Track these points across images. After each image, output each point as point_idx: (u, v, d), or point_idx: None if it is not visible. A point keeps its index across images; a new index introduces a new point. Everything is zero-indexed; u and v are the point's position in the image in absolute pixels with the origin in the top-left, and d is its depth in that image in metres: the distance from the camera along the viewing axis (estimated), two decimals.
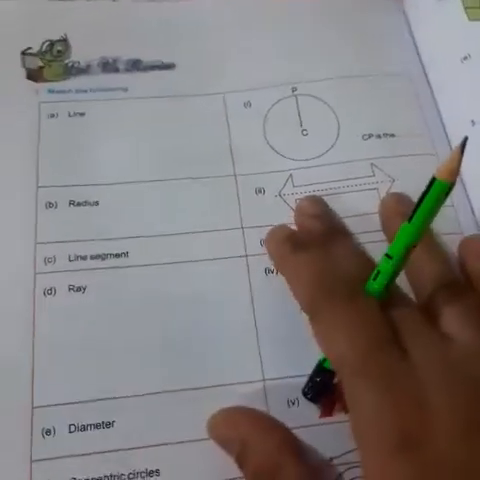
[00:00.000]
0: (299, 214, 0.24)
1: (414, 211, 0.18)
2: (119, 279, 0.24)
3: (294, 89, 0.28)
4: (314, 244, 0.21)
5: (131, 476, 0.20)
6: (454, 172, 0.17)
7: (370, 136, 0.27)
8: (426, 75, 0.29)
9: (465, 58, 0.26)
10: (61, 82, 0.28)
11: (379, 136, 0.27)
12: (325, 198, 0.25)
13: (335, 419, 0.22)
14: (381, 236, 0.23)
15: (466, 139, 0.17)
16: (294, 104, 0.28)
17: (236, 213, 0.25)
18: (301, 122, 0.27)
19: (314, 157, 0.26)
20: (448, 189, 0.17)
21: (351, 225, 0.24)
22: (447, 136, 0.27)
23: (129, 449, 0.21)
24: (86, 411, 0.21)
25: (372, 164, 0.26)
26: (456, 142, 0.25)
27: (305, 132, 0.27)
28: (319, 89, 0.28)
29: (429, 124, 0.27)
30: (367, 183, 0.26)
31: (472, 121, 0.26)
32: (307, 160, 0.26)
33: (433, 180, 0.17)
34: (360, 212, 0.25)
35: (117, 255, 0.24)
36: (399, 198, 0.23)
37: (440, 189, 0.17)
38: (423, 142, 0.27)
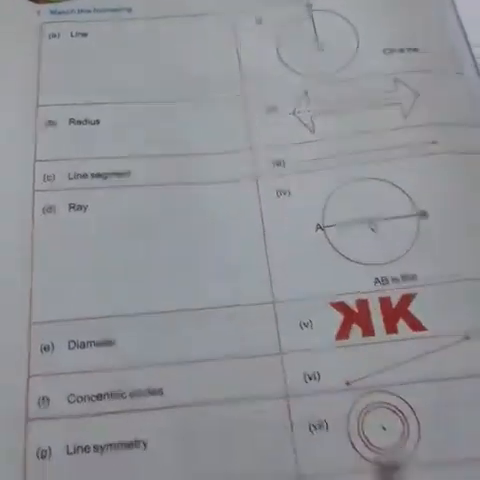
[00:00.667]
0: None
1: None
2: (121, 198, 0.22)
3: (308, 5, 0.26)
4: None
5: (132, 394, 0.19)
6: None
7: (392, 51, 0.25)
8: None
9: None
10: (63, 2, 0.27)
11: (402, 50, 0.25)
12: (346, 116, 0.23)
13: (351, 342, 0.20)
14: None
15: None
16: (309, 19, 0.26)
17: (245, 134, 0.24)
18: (317, 37, 0.25)
19: (331, 72, 0.24)
20: None
21: (368, 142, 0.23)
22: (471, 52, 0.25)
23: (131, 368, 0.20)
24: (86, 328, 0.20)
25: (395, 79, 0.24)
26: None
27: (321, 47, 0.25)
28: (335, 3, 0.26)
29: (453, 40, 0.25)
30: (389, 98, 0.24)
31: None
32: (323, 75, 0.24)
33: None
34: (384, 127, 0.23)
35: (119, 174, 0.23)
36: None
37: None
38: (448, 59, 0.24)
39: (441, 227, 0.21)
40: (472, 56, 0.25)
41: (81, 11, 0.27)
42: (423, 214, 0.21)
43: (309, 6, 0.26)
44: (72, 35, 0.26)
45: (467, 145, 0.23)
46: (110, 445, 0.19)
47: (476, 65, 0.25)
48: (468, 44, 0.25)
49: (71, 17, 0.27)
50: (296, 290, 0.21)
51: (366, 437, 0.19)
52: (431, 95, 0.23)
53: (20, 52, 0.25)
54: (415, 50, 0.25)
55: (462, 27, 0.25)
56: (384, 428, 0.19)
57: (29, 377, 0.19)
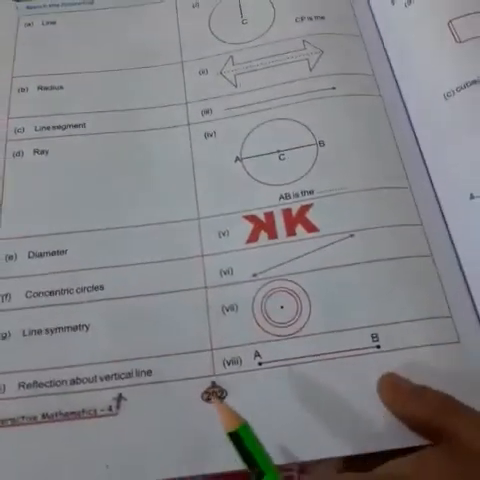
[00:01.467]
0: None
1: (251, 465, 0.18)
2: (76, 144, 0.27)
3: None
4: None
5: (79, 290, 0.24)
6: (231, 419, 0.18)
7: (302, 18, 0.29)
8: None
9: None
10: (37, 0, 0.33)
11: (310, 18, 0.29)
12: (263, 71, 0.28)
13: (258, 244, 0.24)
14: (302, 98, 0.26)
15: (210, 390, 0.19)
16: (236, 1, 0.31)
17: (181, 91, 0.29)
18: (242, 14, 0.30)
19: (252, 39, 0.29)
20: (246, 428, 0.18)
21: (279, 91, 0.27)
22: (374, 18, 0.29)
23: (78, 270, 0.24)
24: (43, 242, 0.25)
25: (304, 40, 0.29)
26: (381, 24, 0.29)
27: (245, 21, 0.30)
28: None
29: (355, 9, 0.30)
30: (299, 55, 0.28)
31: (392, 0, 0.28)
32: (245, 42, 0.29)
33: (234, 434, 0.18)
34: (293, 78, 0.27)
35: (75, 126, 0.28)
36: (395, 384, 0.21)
37: (245, 430, 0.18)
38: (349, 24, 0.29)
39: (334, 152, 0.26)
40: (374, 22, 0.30)
41: (51, 5, 0.33)
42: (321, 143, 0.26)
43: None
44: (43, 23, 0.32)
45: (358, 89, 0.27)
46: (59, 328, 0.23)
47: (376, 25, 0.29)
48: (369, 7, 0.30)
49: (43, 10, 0.32)
50: (216, 208, 0.25)
51: (268, 315, 0.23)
52: (333, 52, 0.28)
53: (1, 38, 0.31)
54: (322, 18, 0.29)
55: None
56: (282, 307, 0.23)
57: None
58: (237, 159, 0.26)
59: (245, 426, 0.18)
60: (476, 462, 0.18)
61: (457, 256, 0.23)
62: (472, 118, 0.24)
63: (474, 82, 0.24)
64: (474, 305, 0.22)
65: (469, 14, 0.26)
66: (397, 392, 0.20)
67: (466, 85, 0.24)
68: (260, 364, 0.22)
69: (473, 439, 0.18)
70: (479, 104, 0.24)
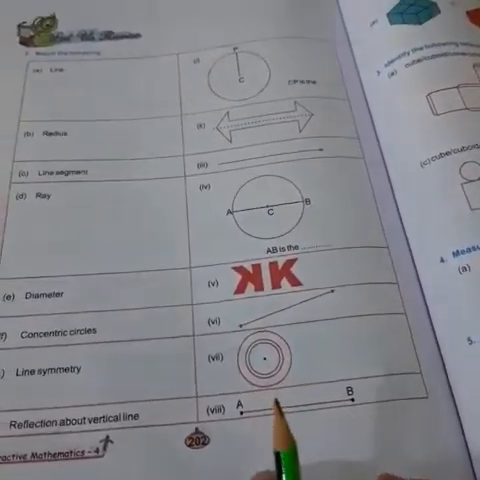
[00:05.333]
0: None
1: None
2: (78, 190, 0.29)
3: (235, 48, 0.33)
4: None
5: (72, 332, 0.25)
6: (286, 439, 0.18)
7: (295, 81, 0.32)
8: (347, 38, 0.34)
9: (373, 22, 0.31)
10: (47, 47, 0.35)
11: (303, 82, 0.32)
12: (256, 129, 0.30)
13: (246, 295, 0.26)
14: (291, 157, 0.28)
15: (277, 401, 0.18)
16: (235, 59, 0.33)
17: (179, 144, 0.30)
18: (239, 72, 0.32)
19: (247, 98, 0.31)
20: (294, 452, 0.18)
21: (270, 149, 0.29)
22: (361, 84, 0.32)
23: (73, 313, 0.25)
24: (41, 284, 0.26)
25: (295, 102, 0.31)
26: (367, 91, 0.31)
27: (242, 79, 0.32)
28: (256, 47, 0.33)
29: (344, 75, 0.32)
30: (290, 116, 0.30)
31: (377, 71, 0.30)
32: (241, 100, 0.31)
33: (278, 454, 0.18)
34: (284, 138, 0.29)
35: (77, 172, 0.29)
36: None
37: (289, 456, 0.18)
38: (338, 89, 0.31)
39: (319, 210, 0.27)
40: (361, 85, 0.32)
41: (60, 53, 0.34)
42: (307, 201, 0.28)
43: (235, 48, 0.33)
44: (51, 70, 0.34)
45: (344, 152, 0.29)
46: (51, 369, 0.24)
47: (363, 91, 0.31)
48: (358, 75, 0.32)
49: (52, 57, 0.34)
50: (207, 258, 0.27)
51: (251, 365, 0.24)
52: (322, 115, 0.30)
53: (9, 81, 0.33)
54: (314, 82, 0.32)
55: (355, 63, 0.33)
56: (265, 358, 0.24)
57: None
58: (229, 212, 0.28)
59: (294, 451, 0.18)
60: None
61: (428, 315, 0.25)
62: (444, 186, 0.26)
63: (447, 153, 0.26)
64: (443, 362, 0.24)
65: (446, 89, 0.28)
66: None
67: (441, 155, 0.26)
68: (242, 413, 0.23)
69: None
70: (450, 173, 0.26)
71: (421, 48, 0.29)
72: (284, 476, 0.18)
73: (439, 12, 0.31)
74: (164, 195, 0.29)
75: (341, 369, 0.24)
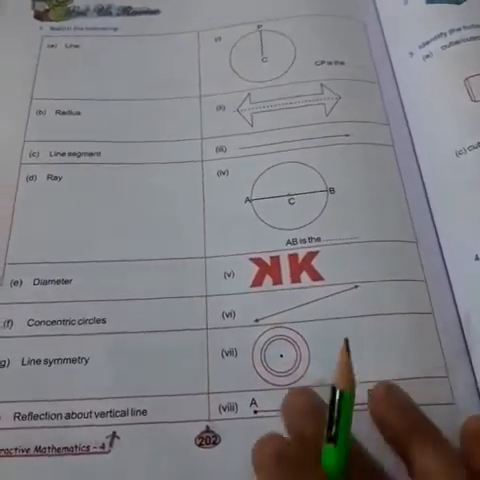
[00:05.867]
0: (287, 411, 0.20)
1: (330, 428, 0.17)
2: (90, 172, 0.28)
3: (259, 26, 0.32)
4: (305, 464, 0.18)
5: (80, 322, 0.24)
6: (349, 379, 0.18)
7: (322, 62, 0.30)
8: (378, 17, 0.32)
9: (407, 1, 0.29)
10: (62, 22, 0.33)
11: (330, 63, 0.30)
12: (279, 112, 0.28)
13: (263, 288, 0.24)
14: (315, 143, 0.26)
15: (347, 341, 0.18)
16: (258, 38, 0.31)
17: (197, 126, 0.29)
18: (263, 52, 0.31)
19: (270, 79, 0.30)
20: (353, 394, 0.18)
21: (294, 134, 0.27)
22: (392, 67, 0.30)
23: (82, 301, 0.24)
24: (49, 270, 0.25)
25: (322, 84, 0.29)
26: (399, 74, 0.29)
27: (265, 59, 0.30)
28: (281, 25, 0.31)
29: (374, 56, 0.30)
30: (316, 99, 0.28)
31: (410, 53, 0.28)
32: (264, 81, 0.30)
33: (339, 392, 0.17)
34: (308, 122, 0.28)
35: (90, 154, 0.28)
36: (389, 389, 0.21)
37: (348, 399, 0.18)
38: (367, 71, 0.30)
39: (344, 201, 0.26)
40: (391, 67, 0.30)
41: (76, 28, 0.33)
42: (331, 190, 0.26)
43: (259, 26, 0.32)
44: (66, 46, 0.32)
45: (373, 138, 0.27)
46: (58, 359, 0.23)
47: (393, 74, 0.30)
48: (389, 57, 0.30)
49: (67, 32, 0.33)
50: (223, 248, 0.25)
51: (267, 362, 0.23)
52: (350, 99, 0.28)
53: (23, 56, 0.31)
54: (342, 63, 0.30)
55: (385, 43, 0.30)
56: (281, 355, 0.23)
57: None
58: (247, 200, 0.27)
59: (351, 394, 0.18)
60: None
61: (458, 316, 0.23)
62: None
63: None
64: (472, 367, 0.22)
65: None
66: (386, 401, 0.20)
67: (478, 145, 0.24)
68: (255, 412, 0.22)
69: (425, 472, 0.18)
70: None
71: (459, 29, 0.27)
72: (338, 415, 0.17)
73: None
74: (180, 180, 0.27)
75: (362, 371, 0.22)
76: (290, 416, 0.20)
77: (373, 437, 0.21)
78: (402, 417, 0.19)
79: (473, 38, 0.27)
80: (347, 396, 0.18)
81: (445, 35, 0.27)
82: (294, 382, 0.22)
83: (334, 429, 0.18)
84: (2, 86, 0.30)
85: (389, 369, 0.22)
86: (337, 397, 0.18)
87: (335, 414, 0.18)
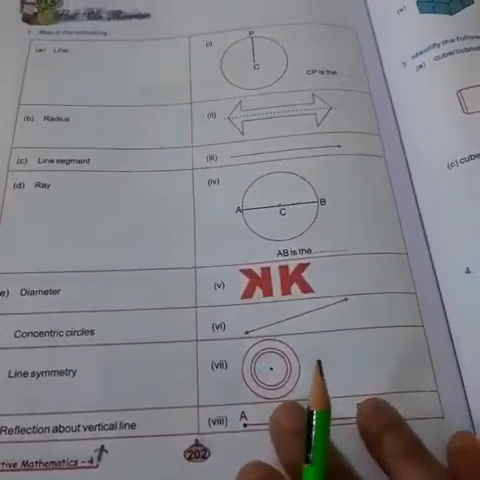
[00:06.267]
0: (275, 430, 0.20)
1: (308, 448, 0.18)
2: (79, 180, 0.27)
3: (251, 32, 0.31)
4: None
5: (68, 333, 0.24)
6: (324, 399, 0.18)
7: (314, 71, 0.30)
8: (371, 26, 0.31)
9: (400, 10, 0.29)
10: (51, 25, 0.33)
11: (322, 72, 0.30)
12: (270, 121, 0.28)
13: (253, 300, 0.24)
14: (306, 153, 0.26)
15: (319, 362, 0.18)
16: (250, 44, 0.31)
17: (188, 134, 0.29)
18: (254, 59, 0.30)
19: (262, 87, 0.29)
20: (329, 413, 0.18)
21: (285, 144, 0.27)
22: (384, 76, 0.30)
23: (70, 312, 0.24)
24: (37, 280, 0.24)
25: (313, 94, 0.29)
26: (391, 84, 0.29)
27: (257, 66, 0.30)
28: (273, 32, 0.31)
29: (367, 66, 0.30)
30: (307, 109, 0.28)
31: (403, 63, 0.28)
32: (256, 89, 0.29)
33: (311, 413, 0.18)
34: (300, 132, 0.28)
35: (79, 161, 0.28)
36: (378, 405, 0.21)
37: (323, 417, 0.18)
38: (360, 81, 0.29)
39: (335, 212, 0.26)
40: (384, 78, 0.30)
41: (65, 32, 0.33)
42: (322, 201, 0.26)
43: (251, 32, 0.31)
44: (55, 51, 0.32)
45: (363, 149, 0.27)
46: (45, 372, 0.23)
47: (386, 84, 0.29)
48: (382, 66, 0.30)
49: (56, 36, 0.32)
50: (214, 259, 0.25)
51: (257, 375, 0.23)
52: (341, 109, 0.28)
53: (10, 61, 0.31)
54: (334, 73, 0.30)
55: (378, 52, 0.30)
56: (271, 369, 0.23)
57: None
58: (238, 210, 0.26)
59: (326, 413, 0.18)
60: None
61: (449, 329, 0.24)
62: (472, 190, 0.24)
63: (478, 156, 0.24)
64: (462, 381, 0.23)
65: (479, 85, 0.26)
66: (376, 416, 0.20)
67: (470, 158, 0.25)
68: (245, 426, 0.22)
69: None
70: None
71: (452, 40, 0.27)
72: (315, 435, 0.18)
73: (472, 2, 0.29)
74: (170, 189, 0.27)
75: (353, 384, 0.22)
76: (278, 435, 0.20)
77: (361, 452, 0.21)
78: (390, 434, 0.19)
79: (466, 49, 0.27)
80: (322, 415, 0.18)
81: (438, 46, 0.27)
82: (284, 395, 0.22)
83: (311, 449, 0.18)
84: None
85: (379, 383, 0.22)
86: (314, 417, 0.18)
87: (312, 434, 0.18)
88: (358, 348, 0.23)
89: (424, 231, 0.25)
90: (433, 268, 0.25)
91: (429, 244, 0.25)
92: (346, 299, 0.24)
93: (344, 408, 0.21)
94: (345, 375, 0.22)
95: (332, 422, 0.20)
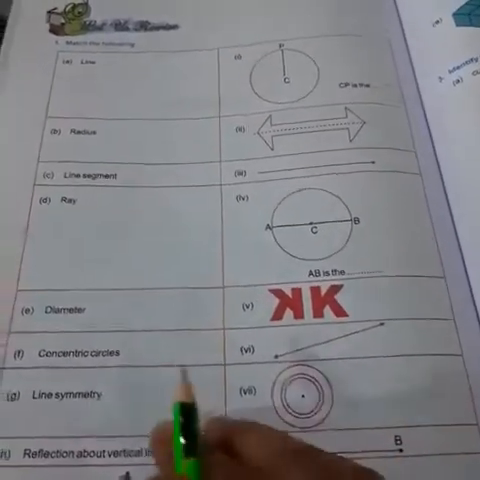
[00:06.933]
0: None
1: (189, 442, 0.17)
2: (105, 195, 0.27)
3: (281, 45, 0.31)
4: None
5: (94, 354, 0.23)
6: (191, 394, 0.18)
7: (346, 84, 0.29)
8: (404, 37, 0.31)
9: (436, 22, 0.28)
10: (78, 36, 0.32)
11: (355, 85, 0.29)
12: (301, 136, 0.27)
13: (283, 322, 0.23)
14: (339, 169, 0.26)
15: (184, 370, 0.19)
16: (280, 57, 0.30)
17: (216, 149, 0.28)
18: (285, 72, 0.30)
19: (293, 101, 0.29)
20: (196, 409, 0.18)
21: (317, 159, 0.26)
22: (418, 90, 0.29)
23: (95, 332, 0.23)
24: (62, 298, 0.24)
25: (346, 108, 0.28)
26: (426, 99, 0.28)
27: (287, 80, 0.30)
28: (304, 45, 0.30)
29: (400, 79, 0.29)
30: (340, 124, 0.28)
31: (439, 77, 0.28)
32: (286, 103, 0.29)
33: (189, 406, 0.18)
34: (332, 148, 0.27)
35: (106, 176, 0.27)
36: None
37: (196, 409, 0.18)
38: (394, 95, 0.28)
39: (370, 231, 0.25)
40: (418, 91, 0.29)
41: (92, 43, 0.32)
42: (356, 220, 0.25)
43: (281, 45, 0.31)
44: (82, 62, 0.31)
45: (398, 165, 0.26)
46: (69, 393, 0.22)
47: (421, 99, 0.29)
48: (416, 80, 0.29)
49: (83, 48, 0.32)
50: (243, 278, 0.24)
51: (287, 403, 0.22)
52: (375, 123, 0.27)
53: (38, 72, 0.31)
54: (367, 85, 0.29)
55: (412, 66, 0.30)
56: (303, 396, 0.22)
57: (9, 333, 0.23)
58: (268, 227, 0.26)
59: (196, 407, 0.18)
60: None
61: None
62: None
63: None
64: None
65: None
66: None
67: None
68: None
69: (252, 457, 0.17)
70: None
71: None
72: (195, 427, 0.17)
73: None
74: (197, 205, 0.26)
75: (389, 415, 0.21)
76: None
77: None
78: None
79: None
80: (196, 407, 0.18)
81: (476, 60, 0.26)
82: (316, 424, 0.21)
83: (189, 440, 0.17)
84: (17, 103, 0.29)
85: (418, 414, 0.21)
86: (192, 410, 0.17)
87: (194, 427, 0.17)
88: (395, 376, 0.22)
89: (462, 253, 0.24)
90: (471, 293, 0.24)
91: (467, 267, 0.24)
92: (382, 324, 0.23)
93: (381, 440, 0.20)
94: (381, 405, 0.21)
95: (370, 454, 0.20)
